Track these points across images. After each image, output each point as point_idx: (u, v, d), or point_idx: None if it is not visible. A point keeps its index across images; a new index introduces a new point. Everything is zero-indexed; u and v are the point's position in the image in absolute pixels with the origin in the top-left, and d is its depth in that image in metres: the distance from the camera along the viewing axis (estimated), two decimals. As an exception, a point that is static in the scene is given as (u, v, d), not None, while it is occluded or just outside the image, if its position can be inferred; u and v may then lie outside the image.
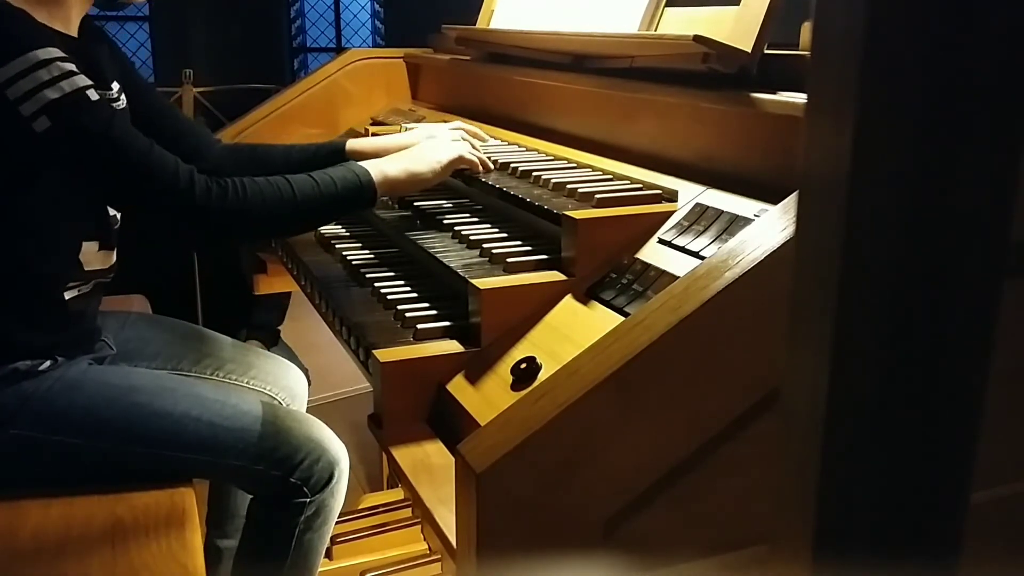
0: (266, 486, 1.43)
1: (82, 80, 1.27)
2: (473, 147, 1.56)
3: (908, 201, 0.44)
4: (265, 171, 1.68)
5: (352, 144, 1.67)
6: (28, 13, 1.29)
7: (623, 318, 1.06)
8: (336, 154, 1.66)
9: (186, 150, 1.60)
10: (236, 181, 1.35)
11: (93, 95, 1.28)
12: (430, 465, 1.08)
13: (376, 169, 1.44)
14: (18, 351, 1.36)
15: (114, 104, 1.45)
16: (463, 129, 1.67)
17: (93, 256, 1.45)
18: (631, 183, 1.37)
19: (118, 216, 1.51)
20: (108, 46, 1.55)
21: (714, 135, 1.32)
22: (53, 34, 1.32)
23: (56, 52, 1.26)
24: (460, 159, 1.51)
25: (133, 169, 1.30)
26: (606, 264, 1.21)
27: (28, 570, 1.24)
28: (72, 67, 1.27)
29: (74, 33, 1.40)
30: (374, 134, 1.92)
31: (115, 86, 1.48)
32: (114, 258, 1.51)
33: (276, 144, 1.78)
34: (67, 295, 1.42)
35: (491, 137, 1.74)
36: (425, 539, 2.22)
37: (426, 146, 1.55)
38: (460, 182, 1.66)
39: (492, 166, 1.56)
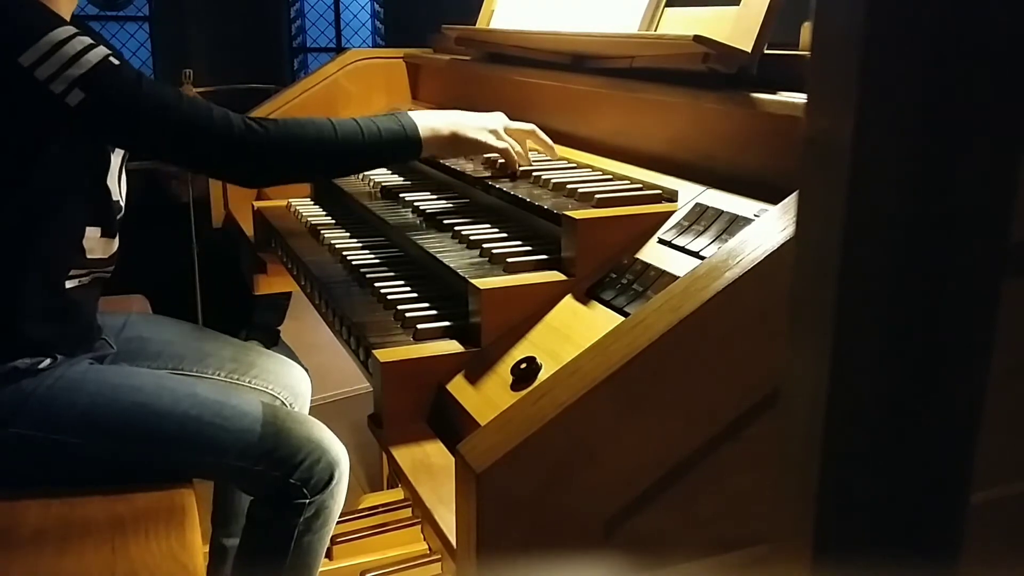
0: (266, 487, 1.43)
1: (103, 50, 1.30)
2: (518, 152, 1.54)
3: (908, 201, 0.44)
4: None
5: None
6: None
7: (623, 318, 1.06)
8: None
9: None
10: (276, 120, 1.38)
11: (115, 60, 1.31)
12: (430, 465, 1.08)
13: (424, 122, 1.44)
14: (18, 344, 1.36)
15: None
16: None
17: (96, 243, 1.45)
18: (631, 183, 1.37)
19: (122, 203, 1.51)
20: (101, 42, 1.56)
21: (714, 135, 1.32)
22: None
23: (72, 28, 1.30)
24: (506, 151, 1.50)
25: (172, 121, 1.33)
26: (606, 264, 1.21)
27: (28, 570, 1.24)
28: (90, 40, 1.30)
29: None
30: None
31: None
32: (115, 247, 1.51)
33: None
34: (68, 284, 1.43)
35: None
36: (425, 539, 2.22)
37: (475, 115, 1.54)
38: (460, 182, 1.66)
39: (525, 163, 1.54)
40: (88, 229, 1.44)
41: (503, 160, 1.52)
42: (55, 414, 1.35)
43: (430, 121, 1.45)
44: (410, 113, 1.46)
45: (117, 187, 1.51)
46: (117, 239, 1.52)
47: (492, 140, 1.49)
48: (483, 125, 1.50)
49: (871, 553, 0.49)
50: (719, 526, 0.93)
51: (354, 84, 2.33)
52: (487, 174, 1.56)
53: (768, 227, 0.92)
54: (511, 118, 1.64)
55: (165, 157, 1.45)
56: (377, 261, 1.55)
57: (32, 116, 1.31)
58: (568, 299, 1.20)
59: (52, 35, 1.27)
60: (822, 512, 0.47)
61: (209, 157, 1.38)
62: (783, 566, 0.51)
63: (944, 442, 0.48)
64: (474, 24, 2.08)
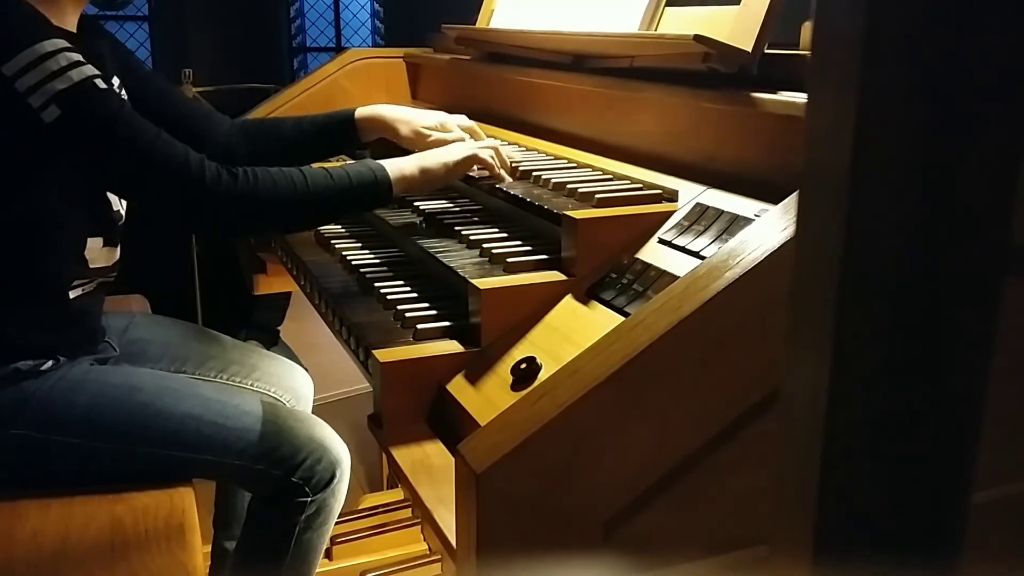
0: (268, 485, 1.43)
1: (89, 70, 1.27)
2: (496, 150, 1.53)
3: (908, 201, 0.44)
4: (277, 143, 1.69)
5: (361, 111, 1.67)
6: (32, 6, 1.30)
7: (623, 318, 1.06)
8: (346, 122, 1.67)
9: (196, 132, 1.61)
10: (248, 170, 1.33)
11: (101, 84, 1.28)
12: (430, 465, 1.08)
13: (392, 166, 1.43)
14: (19, 348, 1.36)
15: (119, 96, 1.45)
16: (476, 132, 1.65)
17: (98, 253, 1.45)
18: (631, 183, 1.37)
19: (123, 212, 1.51)
20: (109, 42, 1.55)
21: (714, 135, 1.32)
22: (55, 28, 1.33)
23: (62, 43, 1.26)
24: (474, 158, 1.49)
25: (142, 157, 1.29)
26: (606, 264, 1.21)
27: (28, 570, 1.24)
28: (79, 57, 1.27)
29: (73, 30, 1.40)
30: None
31: (115, 81, 1.48)
32: (117, 255, 1.51)
33: (286, 116, 1.78)
34: (72, 294, 1.42)
35: (490, 137, 1.74)
36: (425, 539, 2.22)
37: (442, 148, 1.53)
38: (460, 182, 1.66)
39: (508, 174, 1.53)
40: (89, 240, 1.43)
41: (484, 170, 1.51)
42: (56, 415, 1.34)
43: (397, 164, 1.43)
44: (379, 161, 1.44)
45: (118, 197, 1.50)
46: (119, 247, 1.51)
47: (458, 155, 1.48)
48: (446, 156, 1.49)
49: (871, 553, 0.48)
50: (719, 526, 0.93)
51: (354, 84, 2.33)
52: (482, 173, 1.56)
53: (768, 227, 0.92)
54: (511, 117, 1.64)
55: (130, 195, 1.41)
56: (377, 261, 1.55)
57: (12, 129, 1.28)
58: (568, 299, 1.20)
59: (39, 46, 1.23)
60: (822, 512, 0.47)
61: (175, 203, 1.33)
62: (783, 566, 0.51)
63: (945, 442, 0.48)
64: (474, 24, 2.08)
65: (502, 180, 1.51)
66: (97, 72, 1.29)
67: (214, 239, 1.85)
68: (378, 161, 1.44)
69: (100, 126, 1.27)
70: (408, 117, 1.66)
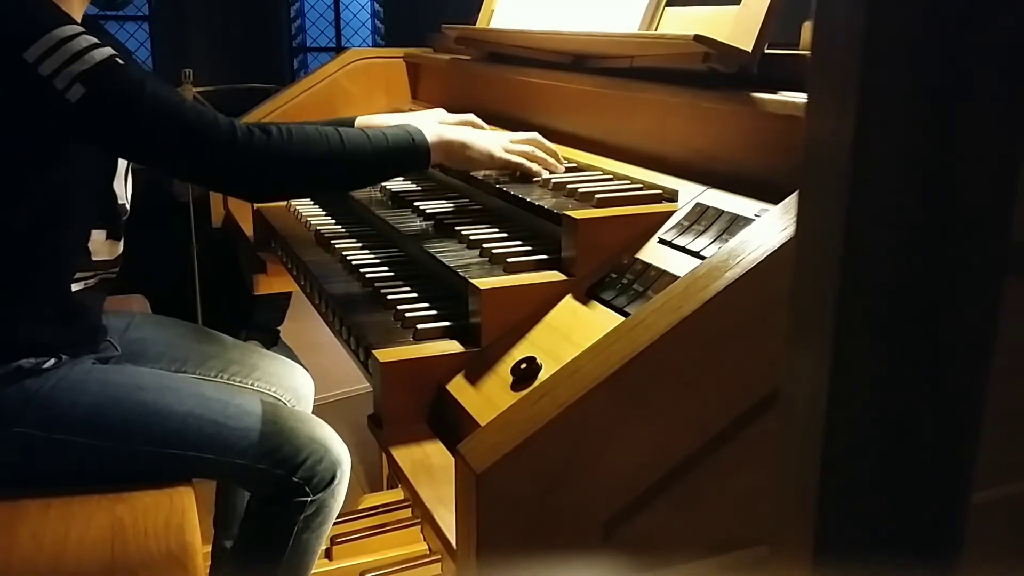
0: (268, 485, 1.43)
1: (108, 49, 1.29)
2: (535, 156, 1.51)
3: (908, 201, 0.44)
4: None
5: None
6: None
7: (623, 318, 1.06)
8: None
9: None
10: (282, 127, 1.33)
11: (120, 60, 1.29)
12: (430, 465, 1.08)
13: (433, 131, 1.41)
14: (22, 346, 1.36)
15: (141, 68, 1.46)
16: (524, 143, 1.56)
17: (101, 245, 1.45)
18: (631, 183, 1.37)
19: (127, 206, 1.51)
20: (110, 43, 1.55)
21: (714, 135, 1.32)
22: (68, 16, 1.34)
23: (78, 27, 1.28)
24: (520, 165, 1.47)
25: (172, 123, 1.29)
26: (606, 264, 1.21)
27: (28, 570, 1.24)
28: (96, 39, 1.28)
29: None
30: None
31: None
32: (120, 249, 1.51)
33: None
34: (74, 287, 1.43)
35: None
36: (425, 540, 2.22)
37: (489, 133, 1.52)
38: (459, 181, 1.66)
39: (556, 160, 1.50)
40: (94, 232, 1.44)
41: (519, 171, 1.49)
42: (58, 414, 1.35)
43: (438, 129, 1.43)
44: (420, 124, 1.43)
45: (124, 190, 1.50)
46: (122, 241, 1.51)
47: (502, 153, 1.47)
48: (494, 137, 1.48)
49: (871, 554, 0.48)
50: (719, 527, 0.93)
51: (354, 84, 2.33)
52: (488, 175, 1.56)
53: (769, 227, 0.92)
54: (511, 117, 1.64)
55: (165, 165, 1.40)
56: (377, 261, 1.55)
57: (37, 114, 1.29)
58: (568, 299, 1.20)
59: (58, 31, 1.25)
60: (822, 512, 0.47)
61: (211, 166, 1.33)
62: (783, 567, 0.51)
63: (945, 442, 0.48)
64: (474, 24, 2.08)
65: (556, 169, 1.49)
66: (114, 51, 1.30)
67: (253, 198, 1.82)
68: (417, 125, 1.43)
69: (127, 100, 1.28)
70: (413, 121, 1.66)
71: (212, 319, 3.11)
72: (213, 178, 1.40)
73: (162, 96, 1.30)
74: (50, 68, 1.24)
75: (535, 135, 1.55)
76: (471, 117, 1.68)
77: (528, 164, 1.47)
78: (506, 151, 1.47)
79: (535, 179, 1.48)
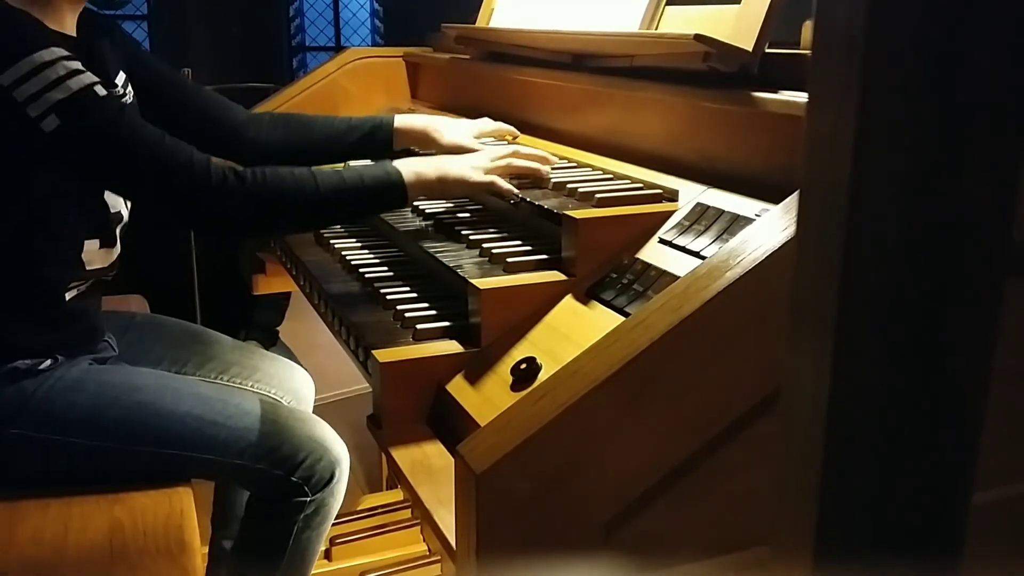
0: (267, 484, 1.43)
1: (89, 77, 1.27)
2: (521, 167, 1.47)
3: (909, 201, 0.44)
4: (306, 136, 1.69)
5: (401, 120, 1.69)
6: (29, 14, 1.29)
7: (623, 318, 1.06)
8: (385, 130, 1.68)
9: (213, 118, 1.64)
10: (256, 171, 1.33)
11: (101, 91, 1.28)
12: (430, 466, 1.08)
13: (408, 168, 1.40)
14: (17, 348, 1.36)
15: (120, 100, 1.44)
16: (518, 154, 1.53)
17: (95, 254, 1.45)
18: (631, 183, 1.37)
19: (124, 213, 1.50)
20: (109, 38, 1.54)
21: (715, 134, 1.32)
22: (53, 34, 1.32)
23: (60, 51, 1.26)
24: (493, 185, 1.43)
25: (144, 162, 1.29)
26: (606, 264, 1.21)
27: (27, 570, 1.24)
28: (78, 65, 1.26)
29: (72, 32, 1.39)
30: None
31: (120, 78, 1.47)
32: (115, 255, 1.50)
33: (317, 115, 1.77)
34: (67, 295, 1.42)
35: (491, 138, 1.74)
36: (424, 540, 2.21)
37: (463, 158, 1.50)
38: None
39: (542, 164, 1.48)
40: (86, 243, 1.43)
41: (500, 189, 1.44)
42: (56, 414, 1.34)
43: (414, 166, 1.41)
44: (394, 162, 1.42)
45: (118, 198, 1.49)
46: (118, 246, 1.51)
47: (478, 176, 1.43)
48: (468, 163, 1.45)
49: (872, 554, 0.48)
50: (719, 527, 0.92)
51: (353, 83, 2.33)
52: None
53: (769, 227, 0.92)
54: (511, 117, 1.63)
55: (136, 200, 1.41)
56: (377, 261, 1.55)
57: (10, 139, 1.28)
58: (568, 299, 1.20)
59: (37, 55, 1.23)
60: (823, 513, 0.47)
61: (182, 207, 1.33)
62: (784, 567, 0.51)
63: (945, 442, 0.48)
64: (474, 23, 2.08)
65: (542, 177, 1.46)
66: (96, 79, 1.28)
67: (222, 240, 1.85)
68: (395, 162, 1.42)
69: (101, 135, 1.27)
70: (446, 124, 1.68)
71: (211, 319, 3.11)
72: (184, 218, 1.40)
73: (137, 133, 1.29)
74: (25, 94, 1.22)
75: (514, 148, 1.53)
76: (509, 128, 1.68)
77: (502, 185, 1.42)
78: (486, 171, 1.44)
79: (511, 200, 1.43)
